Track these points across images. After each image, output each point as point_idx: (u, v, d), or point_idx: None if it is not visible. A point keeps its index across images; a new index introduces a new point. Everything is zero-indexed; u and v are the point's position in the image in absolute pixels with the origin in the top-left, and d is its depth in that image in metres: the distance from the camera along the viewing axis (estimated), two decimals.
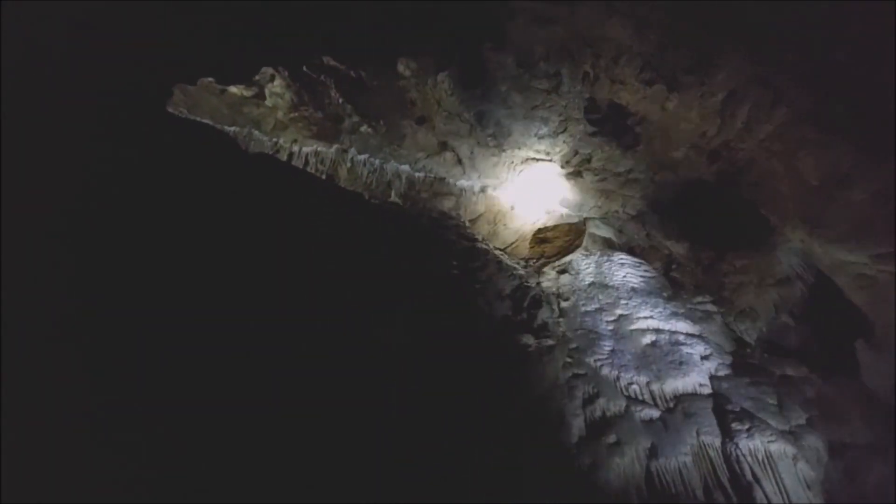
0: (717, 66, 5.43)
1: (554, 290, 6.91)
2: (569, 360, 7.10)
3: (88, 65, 6.27)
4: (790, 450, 6.51)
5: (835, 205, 5.76)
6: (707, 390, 6.67)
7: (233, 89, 7.30)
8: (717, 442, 6.57)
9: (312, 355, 5.30)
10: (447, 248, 6.44)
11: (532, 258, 7.20)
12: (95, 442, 3.54)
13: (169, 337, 4.36)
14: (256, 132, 7.52)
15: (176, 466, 3.97)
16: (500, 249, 7.41)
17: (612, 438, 6.73)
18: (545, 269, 7.03)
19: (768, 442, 6.55)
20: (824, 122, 5.28)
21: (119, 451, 3.67)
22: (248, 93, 7.38)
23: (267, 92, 7.36)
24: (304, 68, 7.08)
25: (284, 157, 7.38)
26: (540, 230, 7.45)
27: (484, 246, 6.80)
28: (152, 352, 4.24)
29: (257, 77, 7.29)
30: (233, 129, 7.50)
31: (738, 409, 6.60)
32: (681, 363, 6.65)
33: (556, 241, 7.23)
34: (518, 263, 6.98)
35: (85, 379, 3.74)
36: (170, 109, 7.08)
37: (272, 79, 7.26)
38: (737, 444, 6.39)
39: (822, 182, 5.76)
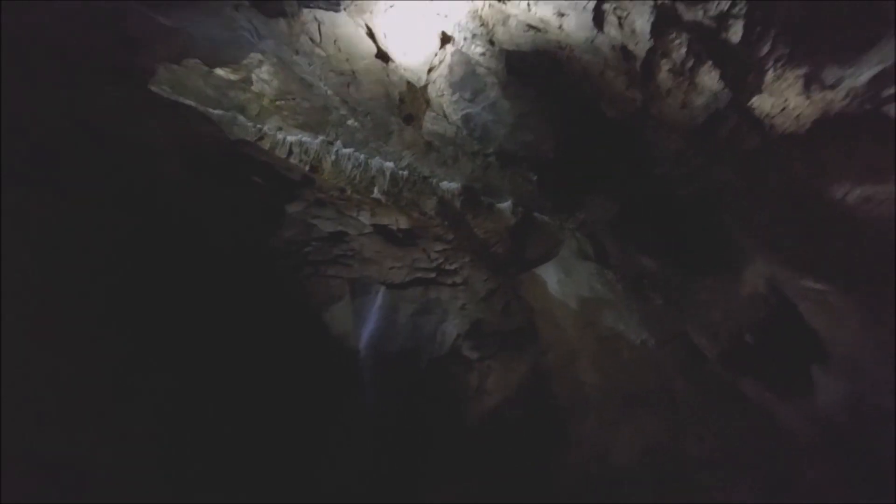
0: (700, 91, 5.52)
1: (528, 296, 7.03)
2: (539, 361, 7.27)
3: (75, 37, 6.15)
4: (741, 458, 6.81)
5: (802, 233, 5.96)
6: (665, 400, 6.91)
7: (219, 72, 7.18)
8: (670, 446, 6.86)
9: (289, 356, 5.36)
10: (424, 249, 6.50)
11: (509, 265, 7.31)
12: (94, 442, 3.58)
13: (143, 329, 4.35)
14: (241, 117, 7.42)
15: (171, 467, 4.04)
16: (478, 251, 7.49)
17: (572, 438, 6.97)
18: (521, 275, 7.15)
19: (719, 451, 6.84)
20: (794, 151, 5.44)
21: (117, 450, 3.73)
22: (234, 76, 7.27)
23: (254, 77, 7.26)
24: (295, 57, 7.00)
25: (268, 145, 7.31)
26: (516, 235, 7.56)
27: (462, 248, 6.88)
28: (137, 347, 4.23)
29: (245, 61, 7.18)
30: (217, 112, 7.39)
31: (693, 420, 6.87)
32: (644, 374, 6.86)
33: (534, 249, 7.34)
34: (494, 266, 7.09)
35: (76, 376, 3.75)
36: (153, 88, 6.95)
37: (260, 64, 7.16)
38: (686, 452, 6.68)
39: (790, 208, 5.94)
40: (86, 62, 6.08)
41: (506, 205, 7.67)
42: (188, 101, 7.20)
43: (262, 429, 4.85)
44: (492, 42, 6.36)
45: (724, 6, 4.68)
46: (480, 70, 6.59)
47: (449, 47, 6.45)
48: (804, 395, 6.65)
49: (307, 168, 7.23)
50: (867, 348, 5.78)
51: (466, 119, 6.99)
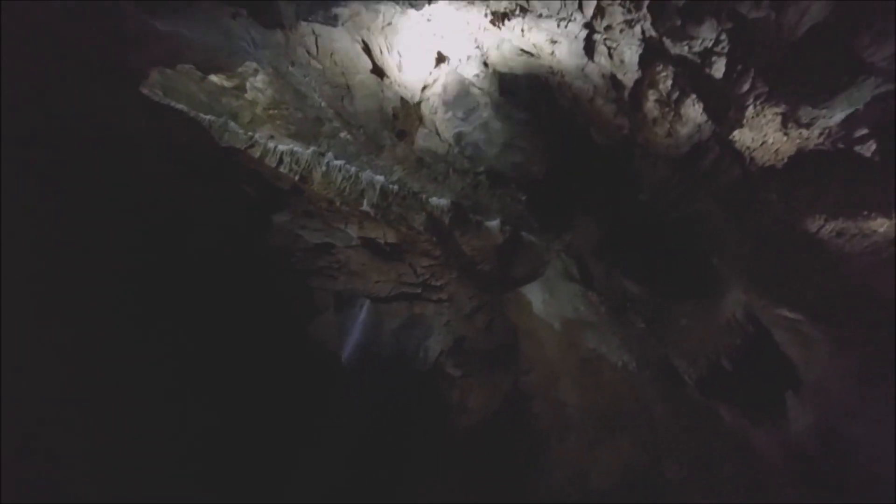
0: (685, 122, 5.72)
1: (512, 315, 7.07)
2: (521, 381, 7.28)
3: (70, 35, 6.10)
4: (717, 481, 6.88)
5: (778, 264, 6.16)
6: (645, 423, 6.97)
7: (213, 78, 7.17)
8: (648, 468, 6.91)
9: (272, 367, 5.30)
10: (411, 263, 6.51)
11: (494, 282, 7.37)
12: (94, 442, 3.59)
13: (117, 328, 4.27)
14: (233, 123, 7.39)
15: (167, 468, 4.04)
16: (465, 268, 7.53)
17: (551, 458, 6.96)
18: (506, 294, 7.19)
19: (695, 474, 6.91)
20: (772, 184, 5.66)
21: (117, 450, 3.72)
22: (228, 83, 7.26)
23: (248, 85, 7.26)
24: (290, 68, 7.04)
25: (258, 153, 7.28)
26: (503, 253, 7.63)
27: (449, 264, 6.91)
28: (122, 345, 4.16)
29: (240, 69, 7.19)
30: (209, 117, 7.35)
31: (671, 443, 6.93)
32: (624, 396, 6.92)
33: (520, 268, 7.42)
34: (480, 284, 7.12)
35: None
36: (144, 91, 6.90)
37: (255, 73, 7.17)
38: (664, 475, 6.73)
39: (767, 239, 6.14)
40: (78, 61, 6.03)
41: (494, 223, 7.75)
42: (180, 106, 7.15)
43: (249, 436, 4.86)
44: (486, 64, 6.51)
45: (708, 43, 4.88)
46: (474, 90, 6.73)
47: (444, 67, 6.58)
48: (778, 422, 6.78)
49: (297, 178, 7.22)
50: (836, 377, 5.95)
51: (458, 137, 7.10)
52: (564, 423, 6.94)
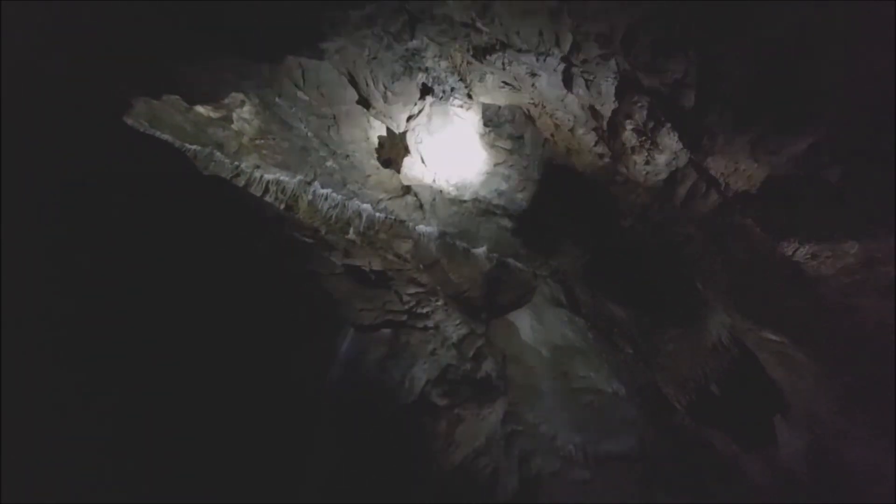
0: (661, 150, 5.93)
1: (500, 343, 6.98)
2: (511, 411, 7.08)
3: (54, 65, 6.12)
4: None
5: (758, 286, 6.27)
6: (637, 453, 6.80)
7: (199, 109, 7.24)
8: (641, 501, 6.67)
9: (250, 399, 5.08)
10: (397, 291, 6.44)
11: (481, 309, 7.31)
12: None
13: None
14: (218, 153, 7.40)
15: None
16: (452, 295, 7.47)
17: (544, 496, 6.68)
18: (494, 321, 7.13)
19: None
20: (748, 209, 5.84)
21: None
22: (215, 114, 7.34)
23: (235, 116, 7.34)
24: (277, 99, 7.16)
25: (243, 182, 7.27)
26: (490, 280, 7.62)
27: (435, 292, 6.85)
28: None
29: (227, 100, 7.29)
30: (194, 147, 7.36)
31: (665, 474, 6.75)
32: (615, 425, 6.78)
33: (507, 295, 7.40)
34: (467, 311, 7.05)
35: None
36: (128, 121, 6.90)
37: (242, 104, 7.27)
38: None
39: (747, 262, 6.28)
40: (59, 89, 6.03)
41: (480, 250, 7.78)
42: (165, 136, 7.16)
43: (225, 472, 4.61)
44: (469, 95, 6.72)
45: (678, 76, 5.13)
46: (458, 121, 6.91)
47: (429, 98, 6.78)
48: (768, 447, 6.71)
49: (282, 207, 7.19)
50: (823, 399, 5.95)
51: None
52: (556, 457, 6.73)
